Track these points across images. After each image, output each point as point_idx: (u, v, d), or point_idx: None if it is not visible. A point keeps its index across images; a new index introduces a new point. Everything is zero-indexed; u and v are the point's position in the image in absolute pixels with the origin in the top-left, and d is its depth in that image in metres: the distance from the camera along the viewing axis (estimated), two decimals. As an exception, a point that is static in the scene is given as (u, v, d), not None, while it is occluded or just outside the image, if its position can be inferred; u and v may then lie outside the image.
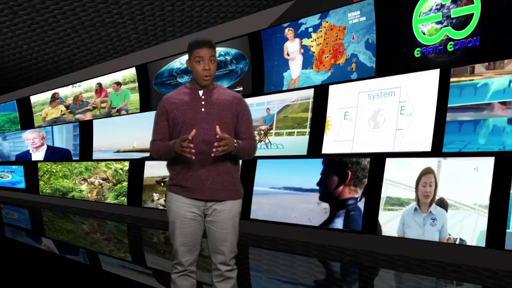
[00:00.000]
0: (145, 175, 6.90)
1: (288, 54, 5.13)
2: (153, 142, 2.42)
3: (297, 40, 5.05)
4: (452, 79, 3.94)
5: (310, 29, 4.96)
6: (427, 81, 4.10)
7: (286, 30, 5.11)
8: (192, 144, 2.18)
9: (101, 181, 7.68)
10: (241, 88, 5.55)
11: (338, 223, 4.51)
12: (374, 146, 4.39)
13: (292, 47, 5.09)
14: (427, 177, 4.02)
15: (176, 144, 2.23)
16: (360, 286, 3.64)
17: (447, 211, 3.88)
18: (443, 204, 3.91)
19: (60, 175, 8.64)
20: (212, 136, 2.28)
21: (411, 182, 4.11)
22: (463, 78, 3.89)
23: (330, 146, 4.74)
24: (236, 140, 2.28)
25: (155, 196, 6.63)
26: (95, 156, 7.87)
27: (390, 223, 4.21)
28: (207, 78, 2.32)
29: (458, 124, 3.89)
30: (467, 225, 3.75)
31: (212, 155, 2.20)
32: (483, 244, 3.66)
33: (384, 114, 4.36)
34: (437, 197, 3.95)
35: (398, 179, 4.20)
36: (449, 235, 3.83)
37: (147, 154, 6.85)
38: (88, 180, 7.92)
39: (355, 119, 4.54)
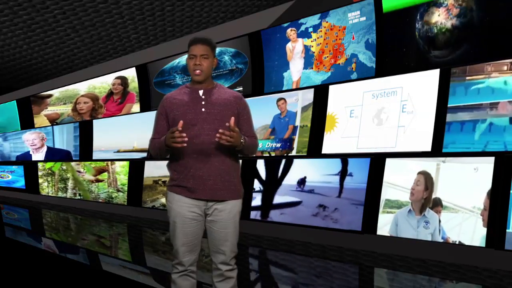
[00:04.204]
0: (145, 175, 6.91)
1: (293, 55, 5.10)
2: (151, 141, 2.44)
3: (300, 40, 5.05)
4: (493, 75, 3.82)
5: (310, 29, 4.96)
6: (427, 81, 4.12)
7: (289, 30, 5.10)
8: (184, 134, 2.17)
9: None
10: (241, 88, 5.55)
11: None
12: (378, 142, 4.45)
13: (297, 48, 5.07)
14: (417, 177, 4.12)
15: (167, 138, 2.24)
16: (360, 286, 3.64)
17: (440, 213, 3.92)
18: (438, 206, 3.94)
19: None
20: (212, 137, 2.28)
21: (409, 184, 4.16)
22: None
23: (336, 142, 4.76)
24: (244, 137, 2.29)
25: (161, 200, 6.63)
26: (95, 156, 7.87)
27: (387, 226, 4.25)
28: (197, 72, 2.33)
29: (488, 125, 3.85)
30: (466, 228, 3.77)
31: (216, 139, 2.20)
32: (483, 245, 3.66)
33: (387, 112, 4.40)
34: (432, 200, 3.99)
35: (398, 181, 4.25)
36: (448, 237, 3.85)
37: (145, 154, 6.88)
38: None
39: (360, 116, 4.58)
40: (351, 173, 4.59)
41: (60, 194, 8.63)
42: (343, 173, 4.64)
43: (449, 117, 3.97)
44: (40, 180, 9.07)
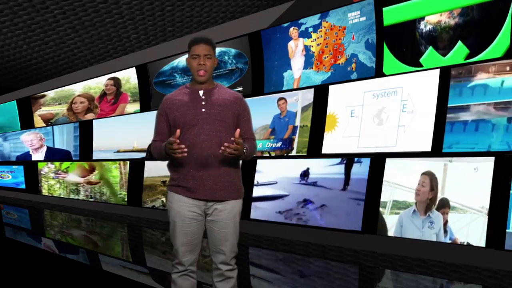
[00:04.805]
0: (145, 175, 6.91)
1: (295, 53, 5.11)
2: (153, 143, 2.43)
3: (301, 39, 5.05)
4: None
5: (310, 29, 4.96)
6: (428, 80, 4.12)
7: (291, 29, 5.11)
8: (183, 145, 2.18)
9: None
10: (241, 88, 5.55)
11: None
12: (378, 141, 4.45)
13: (298, 46, 5.08)
14: (422, 177, 4.10)
15: (166, 148, 2.24)
16: (360, 286, 3.64)
17: (447, 214, 3.91)
18: (445, 207, 3.93)
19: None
20: (212, 137, 2.28)
21: (416, 185, 4.17)
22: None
23: (337, 142, 4.77)
24: (246, 146, 2.28)
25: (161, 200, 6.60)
26: (95, 156, 7.87)
27: (394, 227, 4.25)
28: (201, 73, 2.32)
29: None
30: (474, 228, 3.76)
31: (220, 151, 2.20)
32: (483, 244, 3.66)
33: (387, 112, 4.41)
34: (438, 200, 3.98)
35: (405, 182, 4.24)
36: (456, 238, 3.84)
37: (145, 154, 6.87)
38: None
39: (361, 116, 4.59)
40: (359, 160, 4.56)
41: (72, 196, 8.41)
42: (349, 162, 4.62)
43: (453, 117, 3.96)
44: (52, 182, 8.92)
